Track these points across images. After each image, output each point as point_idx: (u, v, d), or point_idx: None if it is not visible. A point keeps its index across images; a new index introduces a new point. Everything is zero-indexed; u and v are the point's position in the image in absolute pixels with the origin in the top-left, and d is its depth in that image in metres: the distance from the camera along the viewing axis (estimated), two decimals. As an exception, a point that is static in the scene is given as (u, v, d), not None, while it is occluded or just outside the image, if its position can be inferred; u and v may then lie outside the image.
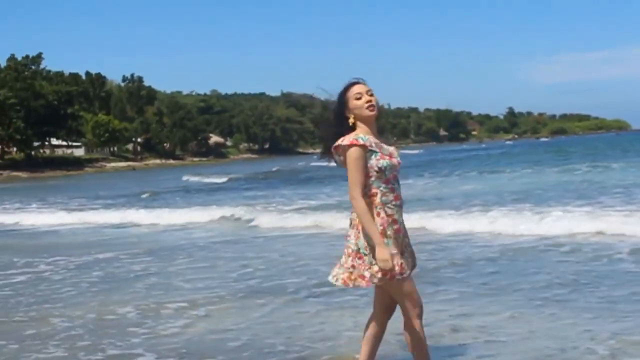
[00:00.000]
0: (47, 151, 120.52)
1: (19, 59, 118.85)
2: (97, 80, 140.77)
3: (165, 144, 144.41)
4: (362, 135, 5.60)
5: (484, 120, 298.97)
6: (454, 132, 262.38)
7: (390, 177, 5.62)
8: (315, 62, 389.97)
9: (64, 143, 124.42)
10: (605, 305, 8.45)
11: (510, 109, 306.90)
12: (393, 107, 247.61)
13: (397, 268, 5.50)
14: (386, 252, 5.46)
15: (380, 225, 5.54)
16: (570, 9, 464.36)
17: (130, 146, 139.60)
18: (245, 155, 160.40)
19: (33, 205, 34.01)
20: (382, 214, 5.57)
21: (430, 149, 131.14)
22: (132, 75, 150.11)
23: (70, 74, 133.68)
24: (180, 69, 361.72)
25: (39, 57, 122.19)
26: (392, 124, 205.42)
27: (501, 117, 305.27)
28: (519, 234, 14.36)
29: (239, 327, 8.42)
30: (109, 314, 9.47)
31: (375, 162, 5.57)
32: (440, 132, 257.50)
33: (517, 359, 6.73)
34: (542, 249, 12.87)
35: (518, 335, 7.45)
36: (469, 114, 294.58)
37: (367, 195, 5.59)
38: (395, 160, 5.65)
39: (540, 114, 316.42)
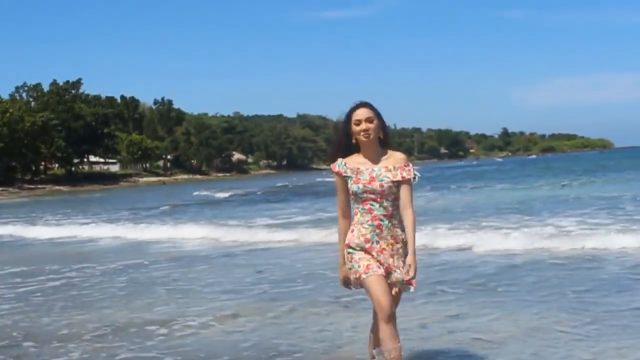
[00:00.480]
0: (86, 167, 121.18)
1: (61, 84, 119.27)
2: (131, 103, 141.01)
3: (192, 161, 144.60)
4: (339, 162, 5.66)
5: (481, 139, 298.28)
6: (453, 150, 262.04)
7: (368, 199, 5.56)
8: (329, 87, 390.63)
9: (101, 160, 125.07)
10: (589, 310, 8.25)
11: (505, 129, 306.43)
12: (398, 127, 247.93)
13: (361, 269, 5.51)
14: (339, 274, 5.75)
15: (348, 241, 5.61)
16: (559, 39, 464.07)
17: (160, 163, 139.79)
18: (264, 171, 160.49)
19: (78, 218, 34.03)
20: (355, 232, 5.60)
21: (428, 166, 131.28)
22: (162, 98, 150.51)
23: (106, 97, 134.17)
24: (206, 93, 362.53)
25: (78, 82, 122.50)
26: (397, 143, 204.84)
27: (496, 136, 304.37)
28: (512, 247, 13.97)
29: (251, 329, 8.26)
30: (132, 318, 9.29)
31: (349, 186, 5.60)
32: (441, 150, 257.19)
33: (506, 358, 6.54)
34: (532, 256, 12.67)
35: (506, 334, 7.28)
36: (467, 133, 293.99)
37: (353, 214, 5.69)
38: (376, 184, 5.53)
39: (532, 134, 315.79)
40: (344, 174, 5.59)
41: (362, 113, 5.55)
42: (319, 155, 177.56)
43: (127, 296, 11.00)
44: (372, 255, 5.52)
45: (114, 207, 41.95)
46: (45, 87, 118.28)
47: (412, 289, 5.62)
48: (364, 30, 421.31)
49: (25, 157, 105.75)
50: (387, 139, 5.69)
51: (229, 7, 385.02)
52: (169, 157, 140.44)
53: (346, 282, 5.71)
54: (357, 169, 5.57)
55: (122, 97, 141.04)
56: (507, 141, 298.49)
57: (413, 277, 5.52)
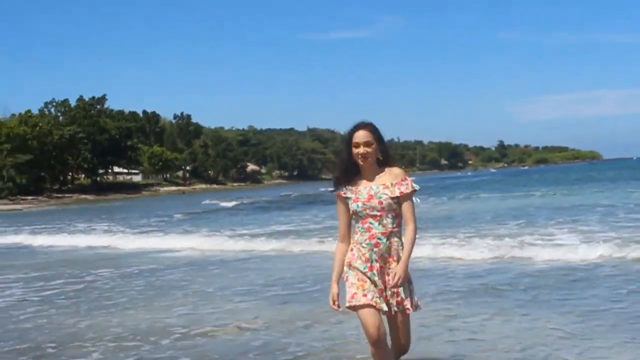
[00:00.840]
0: (110, 177, 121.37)
1: (87, 99, 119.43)
2: (152, 117, 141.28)
3: (209, 171, 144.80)
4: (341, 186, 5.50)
5: (479, 151, 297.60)
6: (453, 161, 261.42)
7: (367, 216, 5.35)
8: (337, 102, 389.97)
9: (125, 170, 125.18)
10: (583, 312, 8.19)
11: (501, 141, 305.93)
12: (402, 139, 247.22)
13: (347, 296, 5.31)
14: (330, 292, 5.42)
15: (348, 259, 5.41)
16: (553, 58, 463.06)
17: (180, 173, 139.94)
18: (277, 181, 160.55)
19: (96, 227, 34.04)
20: (354, 251, 5.39)
21: (428, 176, 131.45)
22: (182, 113, 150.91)
23: (129, 112, 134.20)
24: (222, 108, 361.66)
25: (103, 98, 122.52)
26: (400, 155, 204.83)
27: (493, 148, 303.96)
28: (505, 253, 13.76)
29: (262, 327, 8.25)
30: (151, 320, 9.25)
31: (350, 205, 5.42)
32: (441, 161, 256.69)
33: (499, 356, 6.48)
34: (526, 260, 12.63)
35: (500, 332, 7.26)
36: (466, 145, 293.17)
37: (354, 233, 5.49)
38: (375, 201, 5.33)
39: (526, 146, 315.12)
40: (344, 195, 5.41)
41: (361, 136, 5.33)
42: (327, 166, 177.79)
43: (145, 299, 10.97)
44: (369, 277, 5.30)
45: (138, 215, 41.98)
46: (72, 103, 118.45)
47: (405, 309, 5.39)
48: (369, 50, 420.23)
49: (53, 168, 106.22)
50: (386, 160, 5.45)
51: (245, 30, 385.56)
52: (187, 168, 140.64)
53: (334, 301, 5.42)
54: (356, 188, 5.39)
55: (144, 112, 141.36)
56: (503, 153, 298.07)
57: (397, 286, 5.24)
